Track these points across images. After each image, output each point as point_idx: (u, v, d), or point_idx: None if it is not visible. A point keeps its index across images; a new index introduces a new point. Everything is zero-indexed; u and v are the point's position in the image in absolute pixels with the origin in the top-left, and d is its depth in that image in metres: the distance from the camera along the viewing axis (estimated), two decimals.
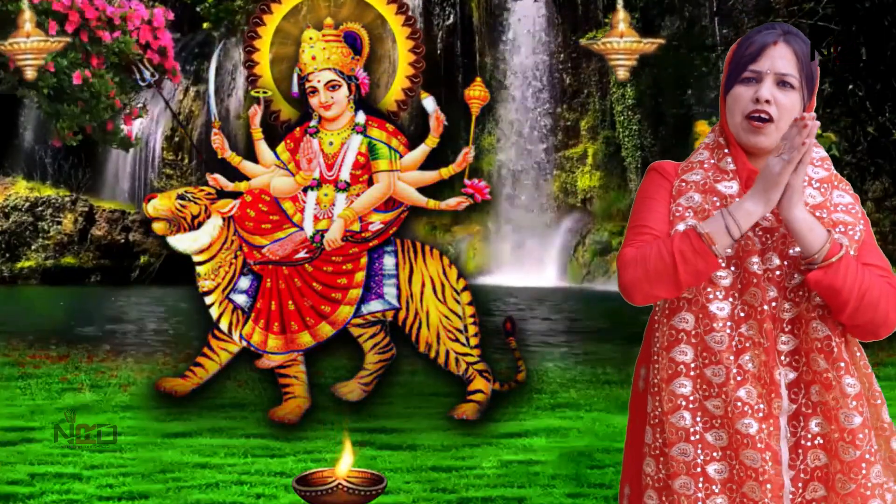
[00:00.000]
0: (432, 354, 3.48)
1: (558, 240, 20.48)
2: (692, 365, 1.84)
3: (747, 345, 1.81)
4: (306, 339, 3.43)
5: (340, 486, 2.10)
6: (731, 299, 1.82)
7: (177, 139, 23.26)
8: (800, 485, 1.82)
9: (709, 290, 1.83)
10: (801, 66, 1.85)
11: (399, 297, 3.47)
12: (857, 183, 16.30)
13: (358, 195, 3.42)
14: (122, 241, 21.40)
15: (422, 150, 3.44)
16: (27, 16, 3.23)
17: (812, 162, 1.88)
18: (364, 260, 3.46)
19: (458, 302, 3.52)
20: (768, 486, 1.77)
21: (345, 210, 3.39)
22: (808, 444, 1.81)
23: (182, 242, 3.43)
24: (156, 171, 23.15)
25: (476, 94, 3.40)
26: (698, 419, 1.83)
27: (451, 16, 21.85)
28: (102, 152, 20.89)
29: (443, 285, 3.51)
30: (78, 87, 7.83)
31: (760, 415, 1.79)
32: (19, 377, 7.94)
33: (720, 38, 18.44)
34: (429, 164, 3.45)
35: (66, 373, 8.18)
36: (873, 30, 13.33)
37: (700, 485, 1.82)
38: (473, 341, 3.52)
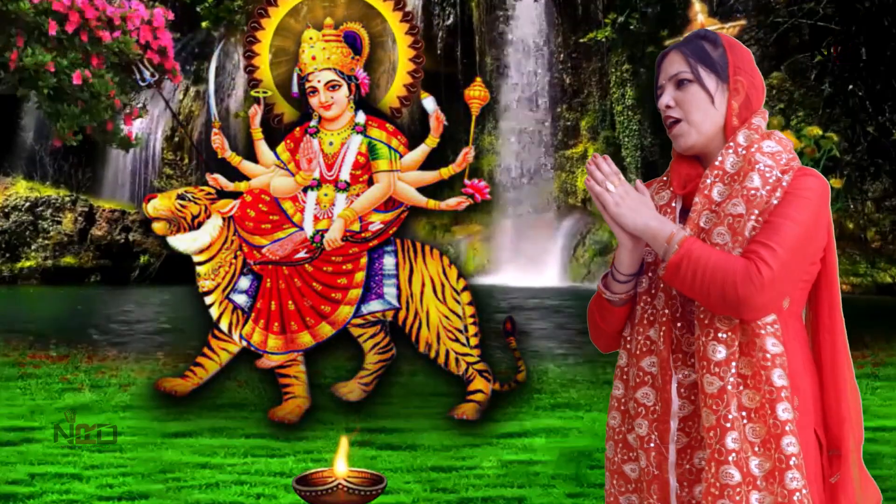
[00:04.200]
0: (432, 354, 3.48)
1: (558, 240, 20.47)
2: (625, 369, 1.96)
3: (652, 348, 1.87)
4: (306, 339, 3.42)
5: (340, 486, 2.09)
6: (642, 304, 1.90)
7: (177, 139, 23.26)
8: (685, 483, 1.82)
9: (637, 296, 1.93)
10: (695, 60, 1.87)
11: (399, 297, 3.47)
12: (857, 183, 16.28)
13: (358, 195, 3.41)
14: (122, 241, 21.40)
15: (422, 150, 3.44)
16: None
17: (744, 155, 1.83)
18: (364, 260, 3.45)
19: (458, 302, 3.51)
20: (654, 486, 1.84)
21: (345, 210, 3.38)
22: (697, 445, 1.82)
23: (182, 242, 3.42)
24: (156, 171, 23.14)
25: (476, 94, 3.40)
26: (626, 420, 1.95)
27: (451, 16, 21.84)
28: (102, 152, 20.90)
29: (443, 285, 3.50)
30: (78, 87, 7.81)
31: (654, 416, 1.85)
32: (19, 377, 7.94)
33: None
34: (429, 164, 3.44)
35: (66, 373, 8.19)
36: (873, 30, 13.33)
37: (615, 482, 2.00)
38: (473, 341, 3.52)
